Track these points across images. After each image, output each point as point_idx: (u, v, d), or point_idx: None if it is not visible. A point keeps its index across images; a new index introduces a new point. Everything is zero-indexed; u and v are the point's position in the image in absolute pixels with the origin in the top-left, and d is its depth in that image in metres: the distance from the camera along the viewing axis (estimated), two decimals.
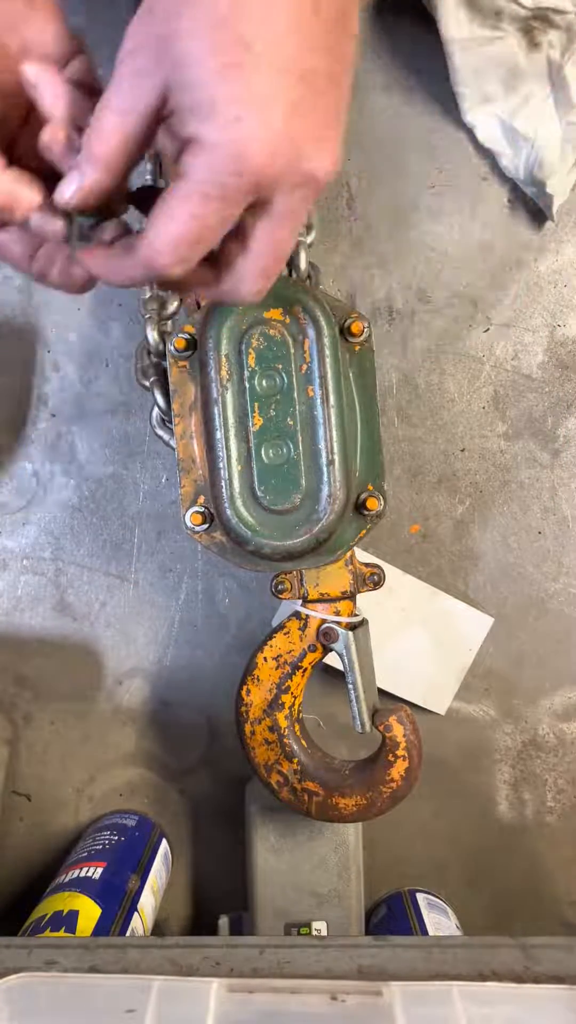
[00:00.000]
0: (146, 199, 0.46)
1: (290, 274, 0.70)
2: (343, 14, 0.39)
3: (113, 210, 0.45)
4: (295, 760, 0.72)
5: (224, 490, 0.65)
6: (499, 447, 0.92)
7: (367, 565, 0.72)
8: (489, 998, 0.51)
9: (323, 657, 0.72)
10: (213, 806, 0.94)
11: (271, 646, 0.72)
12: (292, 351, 0.64)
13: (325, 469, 0.64)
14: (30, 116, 0.47)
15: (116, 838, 0.87)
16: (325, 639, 0.70)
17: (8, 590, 0.93)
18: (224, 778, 0.93)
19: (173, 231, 0.41)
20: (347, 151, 0.60)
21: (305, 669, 0.72)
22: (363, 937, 0.80)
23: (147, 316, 0.71)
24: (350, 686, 0.70)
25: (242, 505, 0.65)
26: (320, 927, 0.82)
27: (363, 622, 0.73)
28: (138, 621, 0.93)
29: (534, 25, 0.81)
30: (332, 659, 0.75)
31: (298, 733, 0.73)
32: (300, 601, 0.71)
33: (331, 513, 0.64)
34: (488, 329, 0.91)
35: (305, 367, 0.64)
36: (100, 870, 0.81)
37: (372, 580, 0.71)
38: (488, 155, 0.88)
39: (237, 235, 0.44)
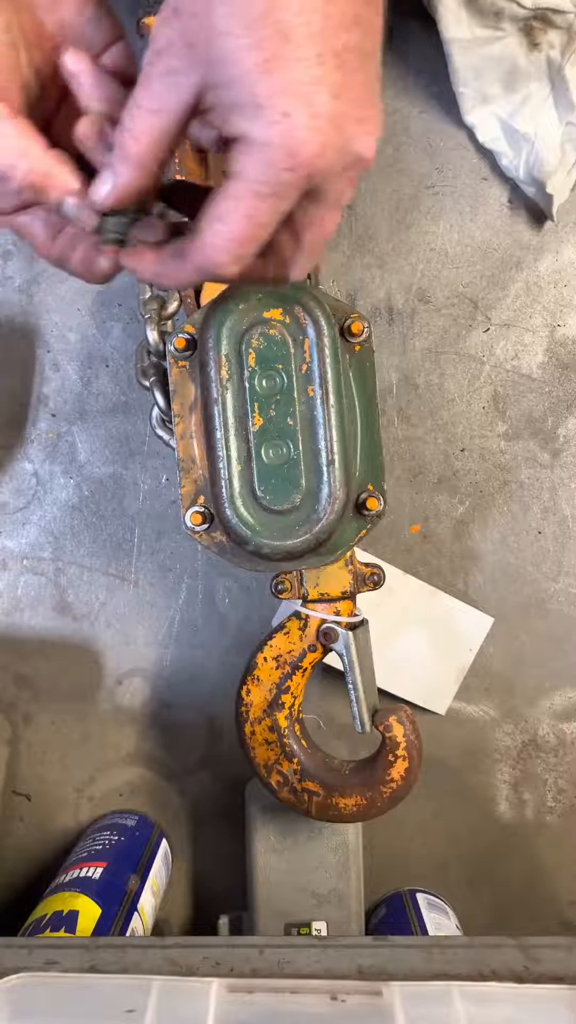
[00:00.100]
0: (175, 194, 0.46)
1: None
2: None
3: (146, 208, 0.45)
4: (295, 760, 0.72)
5: (224, 490, 0.65)
6: (499, 447, 0.92)
7: (367, 565, 0.72)
8: (489, 998, 0.51)
9: (323, 657, 0.72)
10: (213, 806, 0.94)
11: (271, 646, 0.72)
12: (292, 351, 0.64)
13: (325, 469, 0.64)
14: (66, 98, 0.47)
15: (116, 838, 0.87)
16: (325, 639, 0.70)
17: (8, 590, 0.93)
18: (224, 778, 0.93)
19: (228, 232, 0.41)
20: None
21: (305, 669, 0.72)
22: (363, 937, 0.80)
23: (147, 316, 0.71)
24: (350, 686, 0.70)
25: (242, 505, 0.65)
26: (320, 927, 0.82)
27: (363, 622, 0.73)
28: (138, 621, 0.93)
29: (534, 25, 0.81)
30: (332, 659, 0.75)
31: (298, 733, 0.73)
32: (300, 601, 0.71)
33: (331, 513, 0.64)
34: (488, 329, 0.91)
35: (305, 367, 0.64)
36: (100, 870, 0.81)
37: (372, 580, 0.71)
38: (488, 155, 0.88)
39: (286, 224, 0.44)
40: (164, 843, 0.91)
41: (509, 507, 0.92)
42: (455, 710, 0.93)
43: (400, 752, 0.71)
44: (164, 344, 0.69)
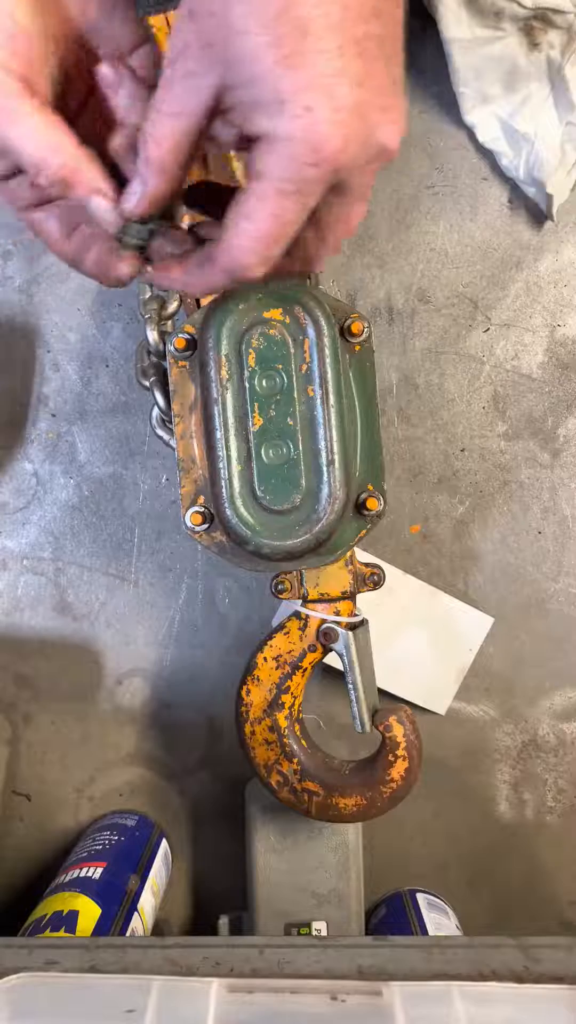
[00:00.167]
0: (198, 195, 0.45)
1: None
2: None
3: (173, 214, 0.45)
4: (295, 760, 0.72)
5: (224, 490, 0.65)
6: (499, 447, 0.92)
7: (367, 565, 0.72)
8: (489, 998, 0.51)
9: (323, 657, 0.72)
10: (213, 806, 0.94)
11: (271, 646, 0.72)
12: (292, 351, 0.64)
13: (325, 469, 0.64)
14: (89, 101, 0.46)
15: (116, 838, 0.87)
16: (325, 639, 0.70)
17: (8, 590, 0.93)
18: (224, 778, 0.93)
19: (255, 231, 0.41)
20: None
21: (305, 669, 0.72)
22: (363, 937, 0.80)
23: (147, 316, 0.71)
24: (350, 686, 0.70)
25: (242, 505, 0.65)
26: (320, 927, 0.82)
27: (363, 622, 0.73)
28: (138, 621, 0.93)
29: (534, 25, 0.81)
30: (332, 659, 0.75)
31: (298, 733, 0.73)
32: (300, 601, 0.71)
33: (331, 513, 0.64)
34: (488, 329, 0.91)
35: (305, 367, 0.64)
36: (100, 870, 0.81)
37: (372, 580, 0.71)
38: (488, 155, 0.88)
39: (310, 219, 0.43)
40: (164, 843, 0.91)
41: (509, 507, 0.92)
42: (455, 710, 0.93)
43: (400, 752, 0.71)
44: (164, 344, 0.69)
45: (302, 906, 0.82)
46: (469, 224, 0.90)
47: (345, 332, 0.66)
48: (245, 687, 0.72)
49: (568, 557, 0.92)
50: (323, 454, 0.64)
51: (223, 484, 0.65)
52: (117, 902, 0.77)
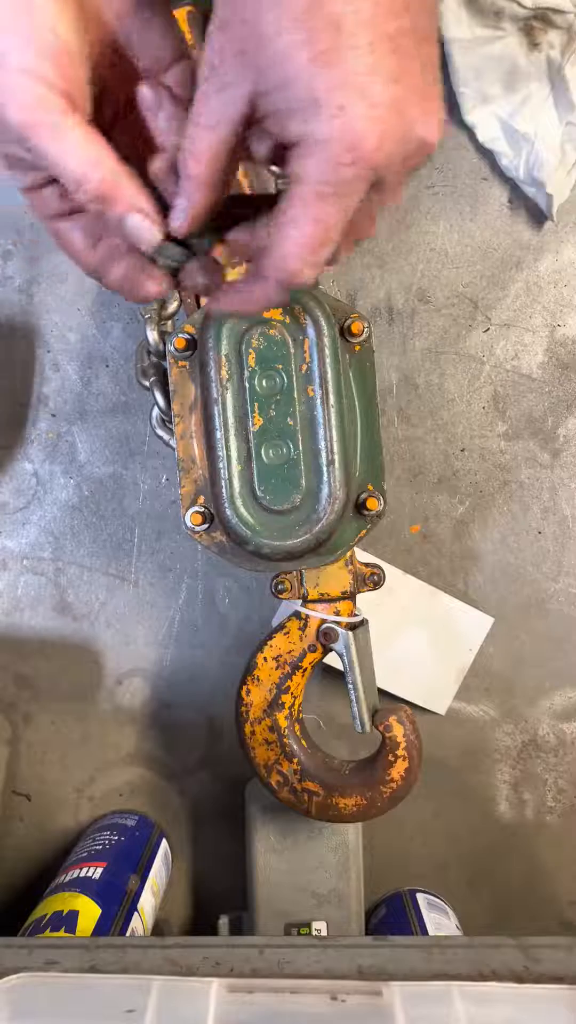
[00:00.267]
0: (231, 207, 0.45)
1: None
2: None
3: (220, 228, 0.45)
4: (295, 760, 0.72)
5: (224, 490, 0.65)
6: (499, 447, 0.92)
7: (367, 565, 0.72)
8: (489, 998, 0.51)
9: (323, 657, 0.72)
10: (213, 806, 0.94)
11: (271, 646, 0.72)
12: (292, 351, 0.64)
13: (325, 469, 0.64)
14: (120, 116, 0.46)
15: (116, 838, 0.87)
16: (325, 639, 0.70)
17: (8, 590, 0.93)
18: (224, 778, 0.93)
19: (300, 238, 0.40)
20: None
21: (305, 669, 0.72)
22: (363, 937, 0.80)
23: (147, 316, 0.71)
24: (350, 686, 0.70)
25: (242, 505, 0.65)
26: (320, 927, 0.82)
27: (363, 622, 0.73)
28: (138, 621, 0.93)
29: (534, 25, 0.81)
30: (332, 659, 0.75)
31: (298, 733, 0.73)
32: (300, 601, 0.71)
33: (331, 513, 0.64)
34: (488, 329, 0.91)
35: (305, 367, 0.64)
36: (100, 870, 0.81)
37: (372, 580, 0.71)
38: (488, 155, 0.88)
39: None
40: (164, 843, 0.91)
41: (509, 507, 0.92)
42: (455, 710, 0.93)
43: (400, 752, 0.71)
44: (164, 344, 0.69)
45: (302, 906, 0.82)
46: (469, 224, 0.90)
47: (345, 332, 0.66)
48: (245, 687, 0.72)
49: (568, 557, 0.92)
50: (323, 454, 0.64)
51: (223, 484, 0.65)
52: (117, 902, 0.77)
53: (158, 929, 0.92)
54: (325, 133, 0.38)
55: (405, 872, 0.94)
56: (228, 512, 0.65)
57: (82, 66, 0.41)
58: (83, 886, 0.78)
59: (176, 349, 0.67)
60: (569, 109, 0.83)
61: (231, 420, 0.64)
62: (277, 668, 0.72)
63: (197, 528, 0.68)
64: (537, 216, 0.90)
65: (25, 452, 0.92)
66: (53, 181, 0.44)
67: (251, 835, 0.83)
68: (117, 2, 0.42)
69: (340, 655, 0.70)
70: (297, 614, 0.71)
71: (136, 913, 0.78)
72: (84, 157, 0.40)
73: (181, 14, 0.69)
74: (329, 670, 0.89)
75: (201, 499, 0.68)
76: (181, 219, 0.42)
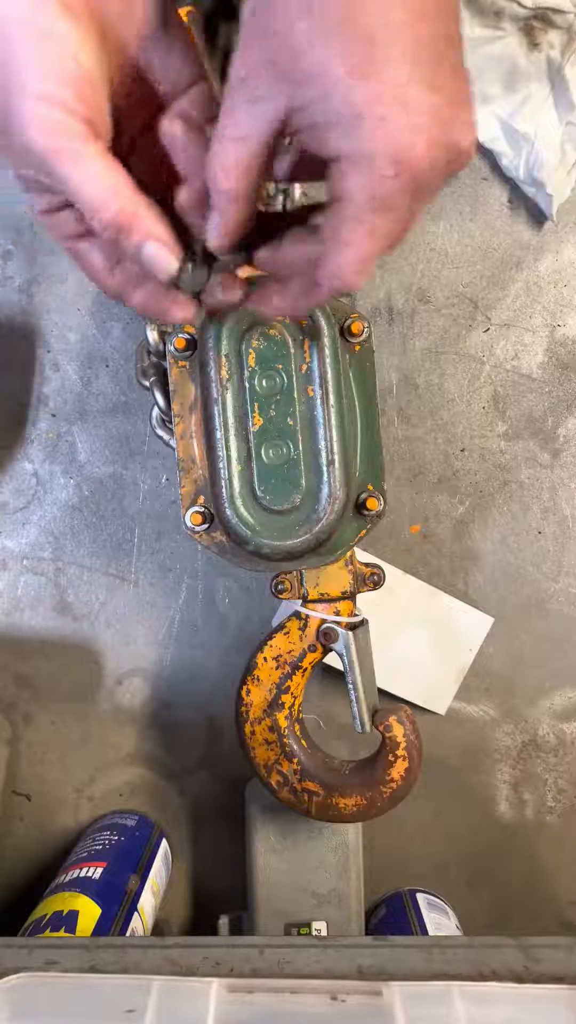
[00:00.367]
0: (262, 225, 0.45)
1: None
2: None
3: (249, 247, 0.45)
4: (295, 760, 0.72)
5: (224, 490, 0.65)
6: (499, 447, 0.92)
7: (367, 565, 0.72)
8: (489, 998, 0.51)
9: (323, 657, 0.72)
10: (213, 806, 0.94)
11: (271, 646, 0.72)
12: (292, 351, 0.64)
13: (325, 469, 0.64)
14: (138, 143, 0.46)
15: (116, 838, 0.87)
16: (325, 639, 0.70)
17: (8, 590, 0.93)
18: (224, 778, 0.93)
19: (356, 253, 0.40)
20: None
21: (305, 669, 0.72)
22: (363, 937, 0.80)
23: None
24: (350, 686, 0.70)
25: (242, 505, 0.65)
26: (320, 927, 0.82)
27: (363, 622, 0.73)
28: (138, 621, 0.93)
29: (534, 25, 0.81)
30: (332, 659, 0.75)
31: (298, 733, 0.73)
32: (300, 601, 0.71)
33: (331, 513, 0.64)
34: (488, 329, 0.91)
35: (305, 367, 0.64)
36: (100, 870, 0.81)
37: (372, 580, 0.71)
38: (488, 155, 0.88)
39: None
40: (164, 843, 0.91)
41: (509, 507, 0.92)
42: (455, 710, 0.93)
43: (400, 752, 0.71)
44: (164, 344, 0.69)
45: (302, 906, 0.82)
46: (469, 224, 0.90)
47: (345, 332, 0.66)
48: (245, 687, 0.72)
49: (568, 557, 0.92)
50: (323, 454, 0.64)
51: (223, 484, 0.65)
52: (117, 902, 0.77)
53: (158, 929, 0.92)
54: (368, 146, 0.37)
55: (405, 872, 0.94)
56: (228, 512, 0.65)
57: (103, 93, 0.41)
58: (83, 886, 0.78)
59: (176, 349, 0.67)
60: (569, 109, 0.83)
61: (231, 420, 0.64)
62: (277, 668, 0.72)
63: (197, 528, 0.68)
64: (537, 216, 0.90)
65: (25, 452, 0.92)
66: (69, 204, 0.44)
67: (251, 835, 0.83)
68: (139, 26, 0.42)
69: (340, 655, 0.70)
70: (297, 614, 0.71)
71: (136, 913, 0.78)
72: (103, 185, 0.40)
73: (181, 14, 0.69)
74: (329, 670, 0.89)
75: (201, 499, 0.68)
76: (216, 234, 0.43)
